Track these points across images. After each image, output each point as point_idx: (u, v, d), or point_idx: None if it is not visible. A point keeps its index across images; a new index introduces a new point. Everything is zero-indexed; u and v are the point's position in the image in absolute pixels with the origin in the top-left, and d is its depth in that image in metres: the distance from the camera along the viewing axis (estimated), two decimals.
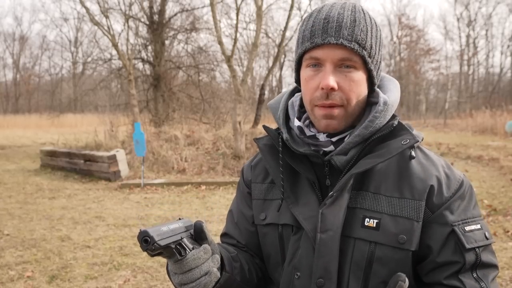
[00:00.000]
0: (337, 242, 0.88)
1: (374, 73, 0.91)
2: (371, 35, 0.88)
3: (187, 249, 0.83)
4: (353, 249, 0.89)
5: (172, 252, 0.81)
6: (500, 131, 16.36)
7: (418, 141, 0.88)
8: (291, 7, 11.72)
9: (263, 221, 1.02)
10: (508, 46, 34.36)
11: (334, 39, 0.85)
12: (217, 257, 0.87)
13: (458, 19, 34.73)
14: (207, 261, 0.84)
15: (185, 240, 0.84)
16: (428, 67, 35.68)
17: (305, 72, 0.92)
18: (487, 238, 0.88)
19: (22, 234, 5.03)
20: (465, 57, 34.28)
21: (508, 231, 4.83)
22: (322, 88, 0.87)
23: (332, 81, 0.86)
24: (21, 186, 8.17)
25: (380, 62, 0.93)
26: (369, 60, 0.88)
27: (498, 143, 13.19)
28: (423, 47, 34.79)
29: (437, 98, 36.72)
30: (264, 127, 1.04)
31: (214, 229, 5.10)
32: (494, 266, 0.89)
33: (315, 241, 0.89)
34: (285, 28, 12.68)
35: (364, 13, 0.90)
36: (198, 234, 0.87)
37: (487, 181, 7.96)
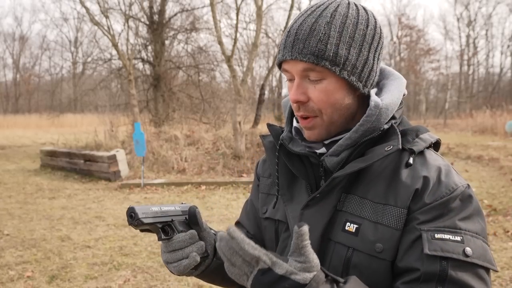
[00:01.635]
0: (315, 244, 0.86)
1: (352, 78, 0.85)
2: (338, 41, 0.83)
3: (176, 231, 0.90)
4: (332, 253, 0.87)
5: (157, 230, 0.89)
6: (500, 131, 16.37)
7: (399, 148, 0.83)
8: (291, 7, 11.73)
9: (264, 215, 1.05)
10: (508, 46, 34.39)
11: (290, 55, 0.85)
12: (202, 243, 0.92)
13: (458, 19, 34.75)
14: (190, 246, 0.90)
15: (176, 222, 0.91)
16: (428, 67, 35.68)
17: (287, 84, 0.94)
18: (466, 255, 0.76)
19: (22, 234, 5.03)
20: (465, 57, 34.28)
21: (508, 231, 4.83)
22: (292, 102, 0.89)
23: (296, 95, 0.87)
24: (21, 186, 8.17)
25: (365, 62, 0.86)
26: (335, 68, 0.83)
27: (498, 143, 13.20)
28: (423, 47, 34.78)
29: (437, 98, 36.70)
30: (268, 125, 1.05)
31: (214, 229, 5.09)
32: None
33: None
34: (285, 28, 12.68)
35: (334, 16, 0.84)
36: (190, 219, 0.94)
37: (487, 181, 7.96)
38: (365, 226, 0.84)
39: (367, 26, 0.86)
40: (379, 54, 0.89)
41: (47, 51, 39.73)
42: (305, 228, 0.69)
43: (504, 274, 3.73)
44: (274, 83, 32.46)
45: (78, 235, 4.99)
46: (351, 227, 0.86)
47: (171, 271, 0.90)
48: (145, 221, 0.85)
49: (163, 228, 0.90)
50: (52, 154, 10.30)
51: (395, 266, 0.83)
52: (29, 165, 11.06)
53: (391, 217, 0.83)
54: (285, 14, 21.21)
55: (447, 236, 0.78)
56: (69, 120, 23.42)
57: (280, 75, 31.91)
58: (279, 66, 0.92)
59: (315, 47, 0.83)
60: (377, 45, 0.88)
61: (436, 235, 0.78)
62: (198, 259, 0.89)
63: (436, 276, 0.77)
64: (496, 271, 0.82)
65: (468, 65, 34.81)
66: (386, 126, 0.89)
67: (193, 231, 0.91)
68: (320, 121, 0.88)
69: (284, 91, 32.48)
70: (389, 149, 0.84)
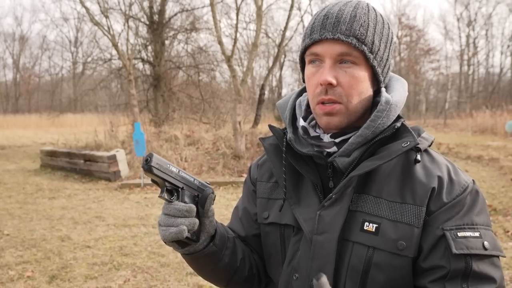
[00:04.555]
0: (333, 245, 0.87)
1: (379, 69, 0.89)
2: (374, 31, 0.87)
3: (180, 199, 0.90)
4: (351, 253, 0.88)
5: (163, 187, 0.89)
6: (500, 131, 16.37)
7: (417, 144, 0.86)
8: (291, 7, 11.73)
9: (265, 220, 1.03)
10: (508, 46, 34.40)
11: (331, 34, 0.85)
12: (195, 221, 0.89)
13: (458, 19, 34.76)
14: (184, 218, 0.87)
15: (185, 192, 0.91)
16: (428, 67, 35.69)
17: (307, 69, 0.92)
18: (485, 249, 0.82)
19: (22, 234, 5.03)
20: (465, 57, 34.28)
21: (508, 231, 4.83)
22: (321, 84, 0.87)
23: (329, 76, 0.85)
24: (21, 186, 8.17)
25: (387, 60, 0.91)
26: (370, 55, 0.87)
27: (498, 143, 13.20)
28: (423, 47, 34.79)
29: (437, 98, 36.69)
30: (270, 126, 1.03)
31: None
32: (491, 280, 0.82)
33: (311, 243, 0.90)
34: (285, 28, 12.69)
35: (368, 10, 0.89)
36: (201, 199, 0.93)
37: (487, 181, 7.96)
38: (385, 225, 0.86)
39: (389, 28, 0.92)
40: (391, 57, 0.94)
41: (47, 51, 39.76)
42: (324, 279, 0.69)
43: (504, 273, 3.73)
44: (274, 83, 32.47)
45: (78, 235, 4.99)
46: (370, 226, 0.87)
47: (160, 234, 0.90)
48: (155, 171, 0.86)
49: (170, 190, 0.90)
50: (52, 154, 10.30)
51: (418, 265, 0.85)
52: (29, 165, 11.06)
53: (410, 215, 0.85)
54: (285, 14, 21.21)
55: (468, 234, 0.83)
56: (69, 120, 23.41)
57: (280, 75, 31.94)
58: (304, 50, 0.91)
59: (358, 30, 0.86)
60: (392, 48, 0.93)
61: (458, 233, 0.83)
62: (185, 234, 0.86)
63: (462, 272, 0.82)
64: (504, 256, 0.86)
65: (468, 65, 34.81)
66: (398, 124, 0.90)
67: (192, 206, 0.89)
68: (344, 109, 0.88)
69: (284, 91, 32.43)
70: (406, 145, 0.86)
